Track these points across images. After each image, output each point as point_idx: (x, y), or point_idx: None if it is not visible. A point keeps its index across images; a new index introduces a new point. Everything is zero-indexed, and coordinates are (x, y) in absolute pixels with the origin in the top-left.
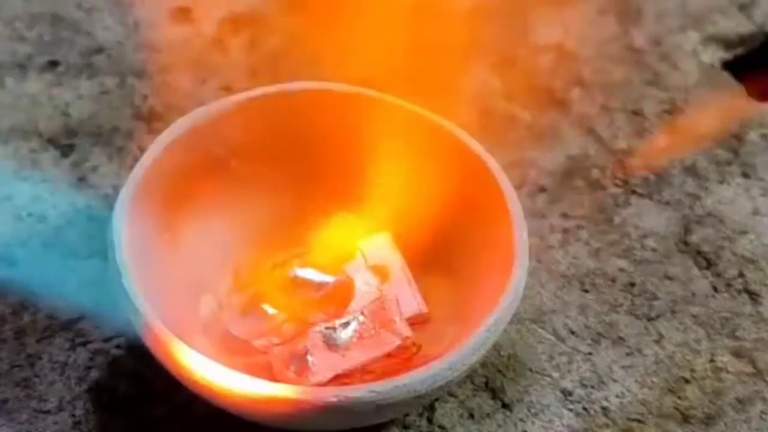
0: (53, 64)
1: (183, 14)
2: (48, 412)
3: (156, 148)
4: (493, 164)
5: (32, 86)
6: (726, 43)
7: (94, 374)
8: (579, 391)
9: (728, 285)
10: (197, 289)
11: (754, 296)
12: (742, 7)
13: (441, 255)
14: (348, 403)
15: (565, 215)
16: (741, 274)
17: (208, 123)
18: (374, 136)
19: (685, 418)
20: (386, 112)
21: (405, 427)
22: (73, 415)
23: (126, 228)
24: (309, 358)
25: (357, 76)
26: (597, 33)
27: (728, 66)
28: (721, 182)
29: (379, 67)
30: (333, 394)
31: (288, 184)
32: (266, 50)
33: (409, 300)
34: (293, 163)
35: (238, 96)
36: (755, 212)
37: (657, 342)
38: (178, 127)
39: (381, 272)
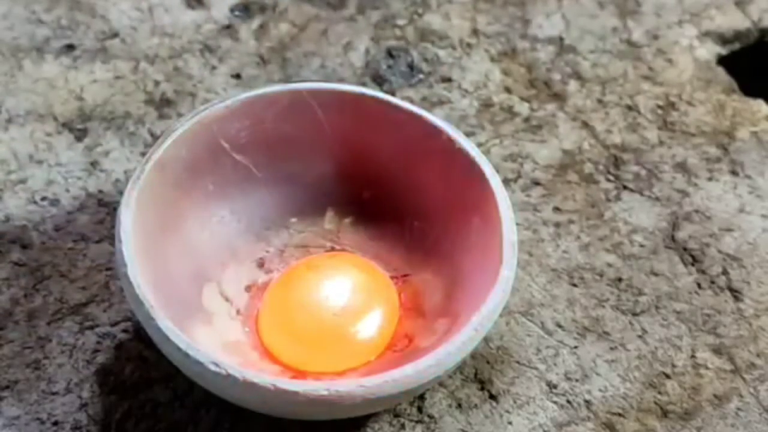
0: (69, 47)
1: None
2: (56, 393)
3: (163, 141)
4: (485, 165)
5: (49, 69)
6: (722, 39)
7: (101, 358)
8: (563, 384)
9: (712, 282)
10: (201, 280)
11: (736, 294)
12: (739, 3)
13: (433, 252)
14: (338, 396)
15: (557, 209)
16: (725, 272)
17: (214, 118)
18: (372, 136)
19: (665, 413)
20: (383, 111)
21: (395, 415)
22: (80, 397)
23: (132, 219)
24: None
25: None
26: (596, 26)
27: (723, 61)
28: (709, 179)
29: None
30: (324, 388)
31: (289, 179)
32: (276, 37)
33: None
34: (294, 159)
35: (245, 94)
36: (741, 210)
37: (640, 337)
38: (185, 121)
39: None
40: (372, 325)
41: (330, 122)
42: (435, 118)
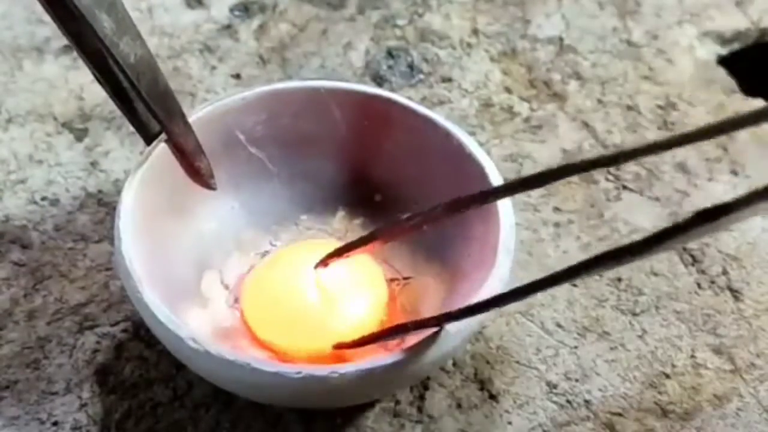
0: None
1: None
2: (56, 393)
3: None
4: (487, 163)
5: (49, 70)
6: (722, 39)
7: (101, 358)
8: (563, 384)
9: (712, 282)
10: (202, 265)
11: (736, 294)
12: (738, 3)
13: (436, 257)
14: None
15: (557, 209)
16: (725, 272)
17: (231, 109)
18: (388, 139)
19: (664, 413)
20: (400, 115)
21: (395, 416)
22: (80, 398)
23: (133, 198)
24: None
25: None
26: (597, 26)
27: (723, 62)
28: (710, 179)
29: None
30: (296, 371)
31: (303, 176)
32: (276, 37)
33: None
34: (309, 156)
35: (262, 88)
36: None
37: (640, 337)
38: (200, 109)
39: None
40: (353, 312)
41: (347, 122)
42: (448, 123)
